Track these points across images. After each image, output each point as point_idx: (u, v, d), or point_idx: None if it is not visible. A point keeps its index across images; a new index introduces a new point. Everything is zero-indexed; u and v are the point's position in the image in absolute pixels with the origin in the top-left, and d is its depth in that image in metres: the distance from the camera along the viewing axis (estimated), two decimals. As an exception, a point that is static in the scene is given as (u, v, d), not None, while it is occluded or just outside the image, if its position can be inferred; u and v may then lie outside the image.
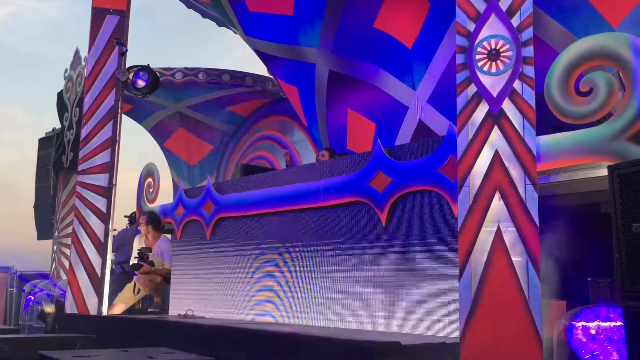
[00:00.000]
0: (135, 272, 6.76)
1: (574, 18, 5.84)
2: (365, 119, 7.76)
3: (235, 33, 10.04)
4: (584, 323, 3.30)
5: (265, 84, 11.02)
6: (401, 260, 4.49)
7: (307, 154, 9.96)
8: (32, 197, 11.11)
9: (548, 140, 3.71)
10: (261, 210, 5.70)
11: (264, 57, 8.87)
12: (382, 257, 4.61)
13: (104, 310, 6.76)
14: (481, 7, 3.73)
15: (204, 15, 11.04)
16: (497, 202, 3.48)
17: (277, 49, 8.38)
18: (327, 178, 5.12)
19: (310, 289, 5.14)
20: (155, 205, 7.24)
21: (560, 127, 3.88)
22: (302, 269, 5.25)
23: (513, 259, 3.41)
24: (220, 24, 11.19)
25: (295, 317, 5.24)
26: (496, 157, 3.53)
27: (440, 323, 4.15)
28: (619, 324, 3.14)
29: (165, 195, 7.40)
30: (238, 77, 10.92)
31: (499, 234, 3.46)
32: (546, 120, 3.81)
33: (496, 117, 3.58)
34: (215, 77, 10.82)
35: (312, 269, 5.16)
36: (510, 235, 3.43)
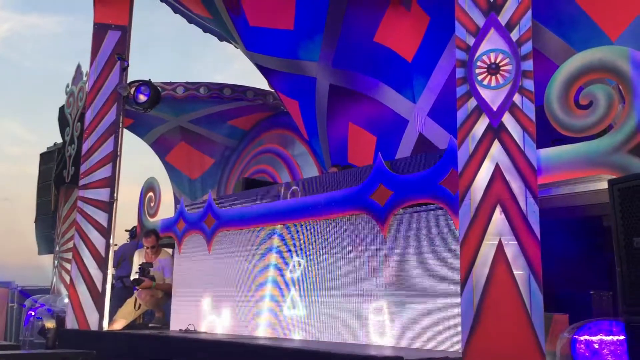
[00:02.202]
0: (136, 287, 6.74)
1: (574, 31, 5.86)
2: (366, 132, 7.77)
3: (236, 47, 10.09)
4: (587, 337, 3.28)
5: (266, 98, 11.05)
6: (403, 274, 4.47)
7: (309, 168, 9.96)
8: (33, 211, 11.10)
9: (549, 153, 3.72)
10: (262, 224, 5.69)
11: (264, 71, 8.90)
12: (384, 270, 4.60)
13: (105, 326, 6.73)
14: (480, 21, 3.75)
15: (205, 30, 11.10)
16: (498, 216, 3.48)
17: (278, 63, 8.41)
18: (328, 192, 5.12)
19: (312, 304, 5.12)
20: (156, 220, 7.23)
21: (561, 140, 3.88)
22: (304, 283, 5.23)
23: (515, 272, 3.40)
24: (221, 39, 11.25)
25: (296, 333, 5.22)
26: (497, 171, 3.54)
27: (442, 337, 4.13)
28: (622, 338, 3.12)
29: (166, 210, 7.41)
30: (239, 91, 10.94)
31: (500, 247, 3.45)
32: (547, 133, 3.82)
33: (496, 130, 3.59)
34: (216, 91, 10.85)
35: (313, 284, 5.14)
36: (511, 249, 3.43)
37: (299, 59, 8.12)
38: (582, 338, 3.28)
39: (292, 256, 5.37)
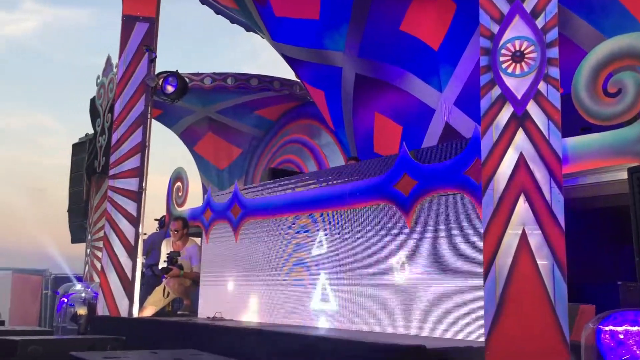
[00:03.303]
0: (165, 275, 6.86)
1: (604, 18, 5.75)
2: (392, 122, 7.75)
3: (263, 38, 10.13)
4: (611, 327, 3.24)
5: (293, 88, 11.07)
6: (427, 263, 4.47)
7: (335, 157, 9.97)
8: (66, 201, 11.35)
9: (575, 141, 3.67)
10: (288, 213, 5.73)
11: (291, 61, 8.93)
12: (408, 260, 4.60)
13: (135, 313, 6.87)
14: (505, 8, 3.71)
15: (232, 20, 11.16)
16: (522, 205, 3.45)
17: (304, 53, 8.43)
18: (353, 181, 5.13)
19: (338, 292, 5.15)
20: (184, 209, 7.34)
21: (589, 128, 3.83)
22: (330, 271, 5.27)
23: (539, 262, 3.37)
24: (248, 29, 11.30)
25: (322, 320, 5.26)
26: (521, 160, 3.50)
27: (466, 326, 4.12)
28: (648, 328, 3.08)
29: (194, 199, 7.52)
30: (266, 82, 10.99)
31: (524, 237, 3.42)
32: (576, 121, 3.77)
33: (521, 119, 3.55)
34: (244, 82, 10.91)
35: (338, 272, 5.17)
36: (535, 239, 3.40)
37: (324, 49, 8.12)
38: (607, 328, 3.24)
39: (317, 245, 5.40)
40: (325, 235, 5.32)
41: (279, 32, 8.57)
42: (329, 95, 8.54)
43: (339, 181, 5.29)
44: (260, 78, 11.01)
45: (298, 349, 4.41)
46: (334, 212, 5.27)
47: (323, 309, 5.27)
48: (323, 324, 5.23)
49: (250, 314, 6.05)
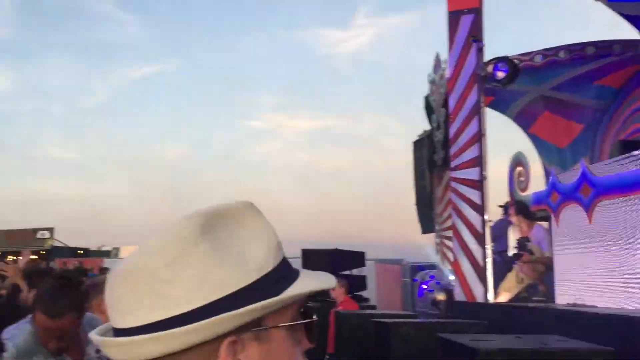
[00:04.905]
0: (516, 261, 6.84)
1: None
2: None
3: (596, 1, 9.28)
4: None
5: (638, 48, 9.85)
6: None
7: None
8: (412, 195, 12.22)
9: None
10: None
11: (632, 19, 7.99)
12: None
13: (490, 298, 7.01)
14: None
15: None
16: None
17: (648, 7, 7.46)
18: None
19: None
20: (527, 193, 7.21)
21: None
22: None
23: None
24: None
25: None
26: None
27: None
28: None
29: (537, 182, 7.33)
30: (604, 47, 10.01)
31: None
32: None
33: None
34: (578, 52, 10.13)
35: None
36: None
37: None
38: None
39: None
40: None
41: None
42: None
43: None
44: (597, 44, 10.08)
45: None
46: None
47: None
48: None
49: (616, 300, 5.60)
